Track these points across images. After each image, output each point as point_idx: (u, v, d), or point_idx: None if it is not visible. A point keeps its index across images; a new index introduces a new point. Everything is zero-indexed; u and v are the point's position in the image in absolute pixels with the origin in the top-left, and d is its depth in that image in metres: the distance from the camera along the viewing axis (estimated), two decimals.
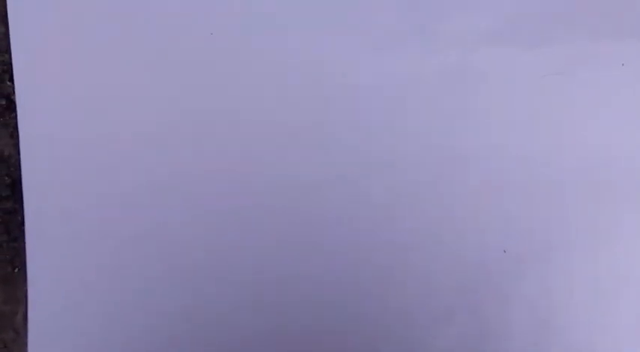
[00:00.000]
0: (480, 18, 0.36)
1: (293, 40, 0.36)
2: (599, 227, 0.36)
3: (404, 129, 0.36)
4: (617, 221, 0.36)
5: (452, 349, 0.35)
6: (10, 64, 0.35)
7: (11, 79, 0.35)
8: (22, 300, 0.35)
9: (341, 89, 0.36)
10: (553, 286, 0.36)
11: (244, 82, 0.35)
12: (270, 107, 0.35)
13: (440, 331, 0.35)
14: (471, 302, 0.35)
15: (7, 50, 0.35)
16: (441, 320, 0.35)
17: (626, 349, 0.36)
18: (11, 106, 0.35)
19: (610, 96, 0.36)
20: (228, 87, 0.35)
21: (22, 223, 0.34)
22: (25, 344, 0.34)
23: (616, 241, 0.36)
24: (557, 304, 0.36)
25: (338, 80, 0.36)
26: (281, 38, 0.35)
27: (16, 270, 0.35)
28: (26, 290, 0.34)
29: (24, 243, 0.34)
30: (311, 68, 0.35)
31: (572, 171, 0.36)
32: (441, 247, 0.35)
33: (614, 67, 0.36)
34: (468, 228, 0.36)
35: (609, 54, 0.36)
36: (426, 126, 0.36)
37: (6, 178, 0.35)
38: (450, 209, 0.36)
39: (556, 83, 0.36)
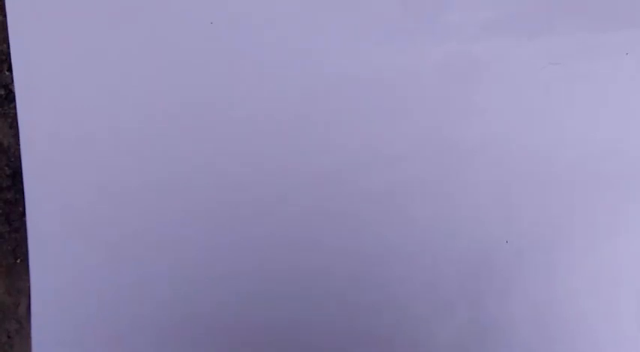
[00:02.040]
0: (480, 8, 0.36)
1: (293, 32, 0.35)
2: (601, 218, 0.36)
3: (404, 120, 0.35)
4: (619, 213, 0.36)
5: (453, 341, 0.35)
6: (9, 53, 0.34)
7: (10, 69, 0.34)
8: (24, 291, 0.35)
9: (340, 81, 0.35)
10: (555, 277, 0.36)
11: (244, 74, 0.35)
12: (271, 99, 0.35)
13: (441, 323, 0.35)
14: (473, 293, 0.35)
15: (5, 40, 0.34)
16: (442, 311, 0.35)
17: (628, 341, 0.36)
18: (10, 96, 0.35)
19: (613, 86, 0.36)
20: (227, 79, 0.35)
21: (24, 214, 0.34)
22: (29, 335, 0.34)
23: (618, 233, 0.36)
24: (559, 295, 0.36)
25: (337, 71, 0.35)
26: (282, 30, 0.35)
27: (19, 261, 0.35)
28: (29, 281, 0.34)
29: (26, 233, 0.34)
30: (311, 59, 0.35)
31: (574, 162, 0.36)
32: (442, 238, 0.35)
33: (618, 57, 0.36)
34: (469, 219, 0.35)
35: (613, 43, 0.36)
36: (427, 118, 0.36)
37: (6, 169, 0.35)
38: (451, 200, 0.35)
39: (558, 73, 0.36)
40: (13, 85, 0.34)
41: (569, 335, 0.36)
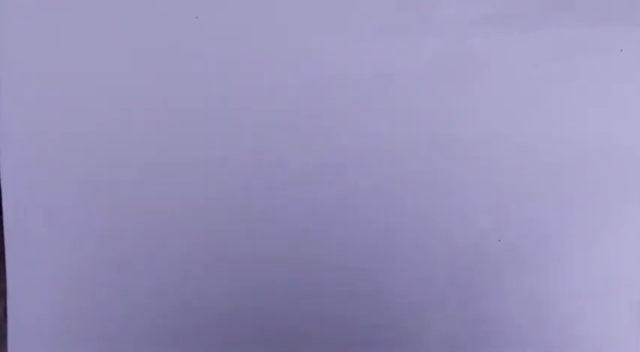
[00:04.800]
0: (474, 3, 0.35)
1: (282, 27, 0.35)
2: (595, 216, 0.36)
3: (397, 116, 0.35)
4: (614, 210, 0.36)
5: (445, 338, 0.35)
6: None
7: None
8: (1, 292, 0.34)
9: (334, 77, 0.35)
10: (548, 275, 0.35)
11: (229, 70, 0.35)
12: (259, 96, 0.35)
13: (433, 320, 0.35)
14: (465, 291, 0.35)
15: None
16: (434, 309, 0.35)
17: (623, 339, 0.36)
18: None
19: (608, 83, 0.36)
20: (213, 75, 0.34)
21: (0, 213, 0.34)
22: (5, 338, 0.34)
23: (612, 231, 0.36)
24: (553, 293, 0.36)
25: (330, 68, 0.35)
26: (270, 25, 0.35)
27: None
28: (6, 282, 0.34)
29: (2, 233, 0.34)
30: (301, 55, 0.35)
31: (569, 160, 0.36)
32: (435, 235, 0.35)
33: (613, 53, 0.36)
34: (462, 217, 0.35)
35: (608, 40, 0.36)
36: (421, 114, 0.35)
37: None
38: (445, 197, 0.35)
39: (553, 69, 0.36)
40: None
41: (563, 332, 0.35)
